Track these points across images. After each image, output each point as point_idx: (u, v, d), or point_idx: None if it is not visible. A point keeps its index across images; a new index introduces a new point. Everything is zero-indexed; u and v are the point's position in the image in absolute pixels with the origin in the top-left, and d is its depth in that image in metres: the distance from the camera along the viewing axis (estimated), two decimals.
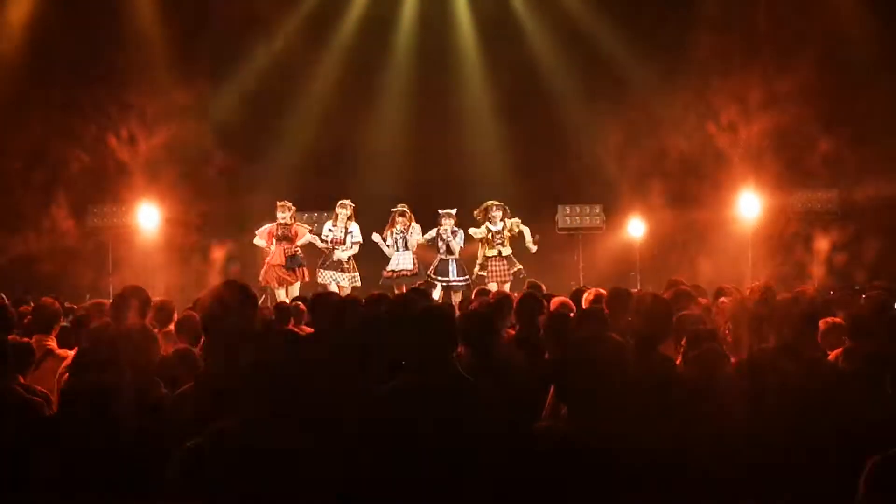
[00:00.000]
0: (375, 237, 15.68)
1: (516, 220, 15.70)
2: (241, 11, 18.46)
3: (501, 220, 15.57)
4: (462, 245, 15.56)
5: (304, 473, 3.60)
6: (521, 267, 15.41)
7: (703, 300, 8.85)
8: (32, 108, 17.66)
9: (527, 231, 15.73)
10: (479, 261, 15.71)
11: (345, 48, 19.05)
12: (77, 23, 17.90)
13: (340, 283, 15.31)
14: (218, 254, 15.79)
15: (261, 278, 15.40)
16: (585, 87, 18.71)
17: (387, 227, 15.71)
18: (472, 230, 15.66)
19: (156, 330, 7.28)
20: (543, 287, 10.39)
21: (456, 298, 14.79)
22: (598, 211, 17.98)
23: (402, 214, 15.59)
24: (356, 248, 15.65)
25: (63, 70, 17.83)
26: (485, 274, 15.51)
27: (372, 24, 19.16)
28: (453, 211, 15.66)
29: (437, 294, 14.92)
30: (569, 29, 19.05)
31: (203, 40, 18.54)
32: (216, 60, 18.60)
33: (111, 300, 6.96)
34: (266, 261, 15.57)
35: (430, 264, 15.75)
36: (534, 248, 15.82)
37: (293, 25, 19.07)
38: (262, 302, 14.49)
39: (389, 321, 6.00)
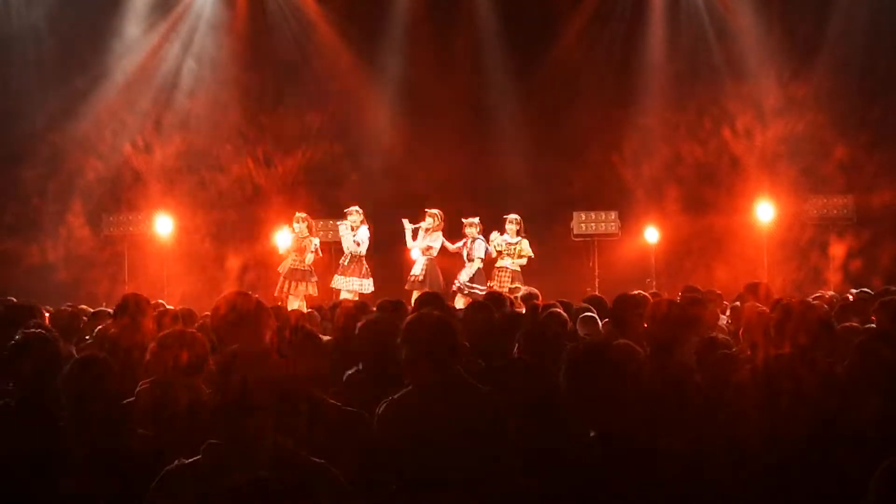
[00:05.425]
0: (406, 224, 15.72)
1: (526, 244, 15.58)
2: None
3: (517, 234, 15.52)
4: (482, 255, 15.43)
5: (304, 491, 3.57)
6: (519, 286, 14.98)
7: (722, 304, 8.85)
8: (48, 116, 17.74)
9: (524, 254, 15.60)
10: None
11: (360, 52, 19.05)
12: (89, 27, 17.99)
13: (351, 288, 15.23)
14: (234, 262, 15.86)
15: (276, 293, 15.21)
16: (600, 93, 18.68)
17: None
18: (493, 237, 15.53)
19: None
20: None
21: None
22: (613, 217, 17.93)
23: (432, 216, 15.52)
24: (358, 249, 15.41)
25: (78, 76, 17.90)
26: (493, 283, 15.44)
27: (385, 28, 19.13)
28: (476, 220, 15.61)
29: (460, 303, 14.66)
30: (585, 35, 19.03)
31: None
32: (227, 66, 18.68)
33: (120, 307, 6.88)
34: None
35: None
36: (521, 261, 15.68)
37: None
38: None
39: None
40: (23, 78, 17.96)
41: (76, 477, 4.31)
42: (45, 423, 4.56)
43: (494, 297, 9.23)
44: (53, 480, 4.31)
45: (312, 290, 15.26)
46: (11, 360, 4.81)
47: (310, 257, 15.21)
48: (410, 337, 4.55)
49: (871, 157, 16.97)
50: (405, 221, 15.68)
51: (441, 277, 15.49)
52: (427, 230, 15.53)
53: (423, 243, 15.51)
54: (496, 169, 18.64)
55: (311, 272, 15.32)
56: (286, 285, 15.17)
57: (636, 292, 8.03)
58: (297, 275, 15.22)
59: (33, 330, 5.53)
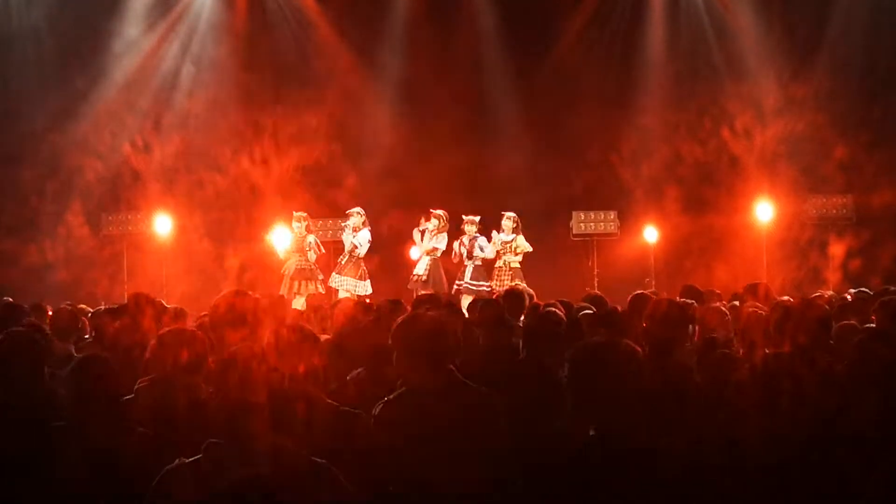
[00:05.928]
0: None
1: (522, 240, 15.56)
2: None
3: (512, 231, 15.50)
4: (484, 253, 15.43)
5: (304, 491, 3.56)
6: (519, 283, 14.88)
7: (719, 304, 8.84)
8: (48, 116, 17.73)
9: (521, 249, 15.59)
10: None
11: (360, 52, 19.02)
12: (89, 27, 17.99)
13: (347, 288, 15.22)
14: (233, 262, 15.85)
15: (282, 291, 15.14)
16: (600, 93, 18.65)
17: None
18: (493, 234, 15.51)
19: None
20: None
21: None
22: (612, 217, 17.93)
23: (437, 217, 15.52)
24: (357, 251, 15.41)
25: (78, 76, 17.89)
26: (493, 283, 15.45)
27: (385, 28, 19.10)
28: (476, 218, 15.62)
29: (465, 303, 14.55)
30: (585, 36, 19.02)
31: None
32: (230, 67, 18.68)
33: (120, 306, 6.92)
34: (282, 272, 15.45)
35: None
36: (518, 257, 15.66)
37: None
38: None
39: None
40: (23, 78, 17.96)
41: (75, 477, 4.30)
42: (32, 424, 4.52)
43: (514, 295, 9.16)
44: (44, 482, 4.28)
45: (319, 289, 15.28)
46: None
47: (312, 255, 15.23)
48: (402, 338, 4.54)
49: (871, 157, 16.98)
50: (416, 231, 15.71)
51: (444, 278, 15.49)
52: (432, 232, 15.52)
53: (428, 245, 15.50)
54: (496, 169, 18.59)
55: (317, 270, 15.36)
56: (295, 285, 15.16)
57: (640, 292, 8.04)
58: (304, 274, 15.25)
59: (19, 329, 5.48)
